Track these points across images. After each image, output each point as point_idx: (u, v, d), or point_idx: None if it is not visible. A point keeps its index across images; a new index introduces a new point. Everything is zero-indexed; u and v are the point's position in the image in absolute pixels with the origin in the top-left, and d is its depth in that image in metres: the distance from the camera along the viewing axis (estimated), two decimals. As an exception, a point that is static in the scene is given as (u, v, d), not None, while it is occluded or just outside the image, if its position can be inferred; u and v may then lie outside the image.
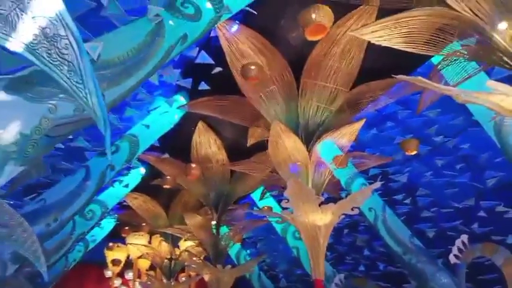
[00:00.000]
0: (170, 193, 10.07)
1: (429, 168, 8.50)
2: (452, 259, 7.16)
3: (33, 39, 2.13)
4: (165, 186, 8.53)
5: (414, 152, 6.77)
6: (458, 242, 7.19)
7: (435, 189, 8.68)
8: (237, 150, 8.33)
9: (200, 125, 7.96)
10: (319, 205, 5.62)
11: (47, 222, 5.60)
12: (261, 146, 7.54)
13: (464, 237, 7.44)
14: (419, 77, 3.52)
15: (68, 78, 2.18)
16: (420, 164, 8.57)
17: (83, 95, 2.25)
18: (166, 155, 8.29)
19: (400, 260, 8.52)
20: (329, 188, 7.41)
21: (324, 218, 5.64)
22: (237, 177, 8.72)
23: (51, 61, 2.14)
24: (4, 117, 2.80)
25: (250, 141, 7.50)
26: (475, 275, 7.74)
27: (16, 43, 2.12)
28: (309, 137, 6.29)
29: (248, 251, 12.32)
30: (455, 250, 7.23)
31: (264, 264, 11.97)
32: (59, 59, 2.13)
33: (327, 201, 7.02)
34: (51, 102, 2.99)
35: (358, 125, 6.22)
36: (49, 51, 2.11)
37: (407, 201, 9.02)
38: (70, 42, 2.11)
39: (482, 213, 8.16)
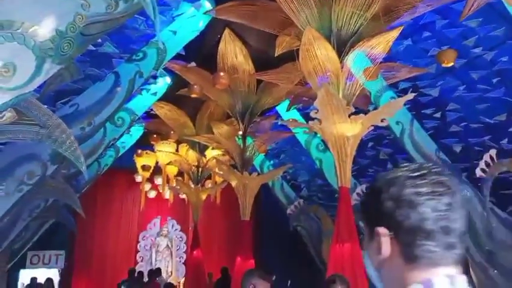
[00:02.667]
0: (196, 103, 10.14)
1: (462, 82, 8.21)
2: (478, 172, 7.20)
3: None
4: (191, 96, 8.54)
5: (451, 64, 6.48)
6: (486, 156, 7.18)
7: (466, 104, 8.46)
8: (264, 60, 8.15)
9: (226, 33, 7.73)
10: (349, 116, 5.58)
11: (81, 126, 5.77)
12: (289, 57, 7.34)
13: (493, 152, 7.40)
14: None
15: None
16: (453, 78, 8.27)
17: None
18: (193, 64, 8.19)
19: (423, 173, 8.60)
20: (358, 101, 7.30)
21: (353, 129, 5.63)
22: (263, 88, 8.65)
23: None
24: (38, 13, 2.74)
25: (278, 51, 7.28)
26: (498, 190, 7.79)
27: None
28: (342, 46, 6.05)
29: (271, 161, 12.64)
30: (482, 164, 7.24)
31: (286, 174, 12.30)
32: None
33: (356, 113, 6.98)
34: (83, -3, 2.90)
35: (395, 33, 5.92)
36: None
37: (437, 115, 8.86)
38: None
39: (512, 129, 8.02)
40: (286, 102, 9.49)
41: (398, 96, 8.65)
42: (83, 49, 3.23)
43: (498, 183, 7.61)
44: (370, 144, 10.31)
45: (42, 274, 10.81)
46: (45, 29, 2.76)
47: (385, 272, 0.98)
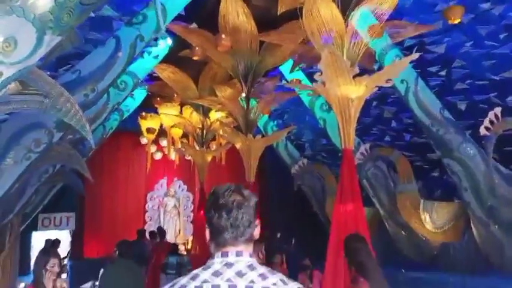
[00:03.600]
0: (199, 65, 10.03)
1: (469, 38, 8.04)
2: (482, 131, 7.19)
3: None
4: (194, 58, 8.44)
5: (458, 21, 6.32)
6: (490, 114, 7.14)
7: (472, 61, 8.32)
8: (267, 19, 7.97)
9: (228, -9, 7.53)
10: (353, 77, 5.52)
11: (85, 92, 5.76)
12: (292, 15, 7.18)
13: (498, 110, 7.35)
14: None
15: None
16: (460, 34, 8.09)
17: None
18: (194, 25, 8.03)
19: (427, 130, 8.59)
20: (363, 60, 7.19)
21: (357, 90, 5.58)
22: (266, 48, 8.51)
23: None
24: (36, -16, 2.68)
25: (281, 9, 7.11)
26: (501, 147, 7.81)
27: None
28: (347, 4, 5.90)
29: (275, 122, 12.65)
30: (486, 122, 7.22)
31: (290, 134, 12.34)
32: None
33: (360, 73, 6.89)
34: (80, -35, 2.82)
35: (399, -5, 5.74)
36: None
37: (442, 73, 8.74)
38: None
39: (519, 86, 7.94)
40: (290, 62, 9.37)
41: (404, 54, 8.51)
42: (83, 18, 3.18)
43: (502, 140, 7.62)
44: (374, 103, 10.25)
45: (53, 235, 11.14)
46: (44, 1, 2.71)
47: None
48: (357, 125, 10.80)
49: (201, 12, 7.81)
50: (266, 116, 11.50)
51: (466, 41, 8.09)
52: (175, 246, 9.64)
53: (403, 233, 9.98)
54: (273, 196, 13.40)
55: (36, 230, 11.82)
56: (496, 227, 8.13)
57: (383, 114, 10.64)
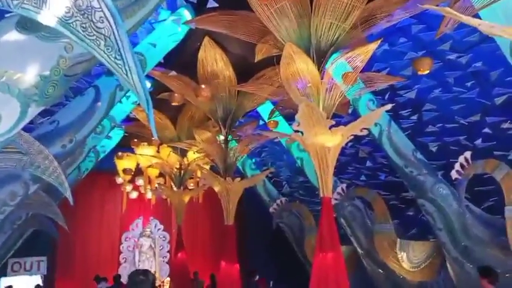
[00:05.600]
0: (177, 106, 10.09)
1: (438, 83, 8.42)
2: (454, 175, 7.46)
3: (66, 12, 1.96)
4: (172, 104, 8.52)
5: (426, 72, 6.64)
6: (461, 159, 7.43)
7: (442, 105, 8.68)
8: (244, 66, 8.18)
9: (206, 41, 7.71)
10: (330, 128, 5.69)
11: (63, 143, 5.72)
12: (268, 62, 7.41)
13: (468, 154, 7.66)
14: (447, 8, 3.34)
15: (106, 54, 2.05)
16: (429, 80, 8.47)
17: (123, 72, 2.14)
18: (173, 73, 8.15)
19: (401, 172, 8.88)
20: (338, 107, 7.43)
21: (333, 140, 5.74)
22: (244, 93, 8.68)
23: (86, 35, 2.00)
24: (22, 61, 2.72)
25: (258, 57, 7.34)
26: (473, 187, 8.08)
27: (48, 16, 1.96)
28: (321, 57, 6.13)
29: (253, 160, 12.74)
30: (457, 166, 7.50)
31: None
32: (94, 33, 1.99)
33: (334, 118, 7.05)
34: (65, 40, 2.88)
35: (374, 46, 6.03)
36: (84, 25, 1.96)
37: (414, 116, 9.07)
38: (105, 15, 1.95)
39: (486, 129, 8.25)
40: (268, 104, 9.56)
41: (377, 98, 8.87)
42: (66, 87, 3.22)
43: (473, 181, 7.89)
44: (349, 143, 10.47)
45: (23, 281, 10.70)
46: (29, 76, 2.75)
47: None
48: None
49: (180, 58, 7.95)
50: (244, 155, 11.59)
51: (436, 87, 8.46)
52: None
53: (381, 271, 10.06)
54: (252, 235, 13.31)
55: (5, 275, 11.33)
56: (471, 266, 8.30)
57: (358, 154, 10.88)
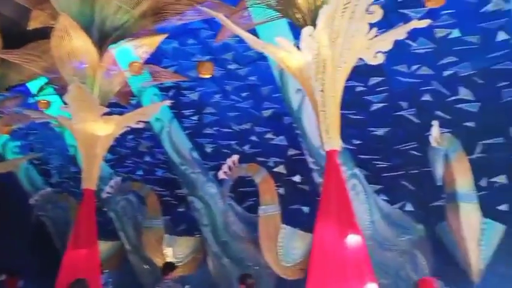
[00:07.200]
0: None
1: (219, 90, 8.95)
2: (220, 175, 7.99)
3: None
4: None
5: (208, 76, 6.97)
6: (229, 161, 8.02)
7: (220, 110, 9.25)
8: (17, 34, 7.04)
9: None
10: (103, 115, 5.34)
11: None
12: (45, 33, 6.55)
13: (235, 157, 8.34)
14: (221, 15, 3.51)
15: None
16: (213, 84, 8.93)
17: None
18: None
19: (177, 168, 9.13)
20: (118, 95, 7.10)
21: (105, 128, 5.42)
22: (11, 63, 7.43)
23: None
24: None
25: (32, 25, 6.42)
26: (237, 187, 8.84)
27: None
28: (103, 39, 5.73)
29: (19, 143, 11.11)
30: (225, 167, 8.07)
31: (35, 158, 11.05)
32: None
33: (115, 106, 6.74)
34: None
35: (159, 38, 5.99)
36: None
37: (195, 117, 9.41)
38: None
39: (254, 137, 9.15)
40: (44, 80, 8.45)
41: (162, 94, 8.87)
42: None
43: (237, 182, 8.63)
44: (130, 136, 10.20)
45: None
46: None
47: None
48: (112, 156, 10.53)
49: None
50: (6, 136, 10.00)
51: (217, 92, 8.97)
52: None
53: (147, 267, 10.05)
54: (8, 230, 11.49)
55: None
56: (228, 260, 9.07)
57: (138, 148, 10.68)
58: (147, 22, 6.42)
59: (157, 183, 10.63)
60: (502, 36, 5.88)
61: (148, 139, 10.35)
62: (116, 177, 10.26)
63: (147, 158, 10.82)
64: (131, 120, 5.72)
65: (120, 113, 6.94)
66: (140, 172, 11.11)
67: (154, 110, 6.23)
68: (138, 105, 8.33)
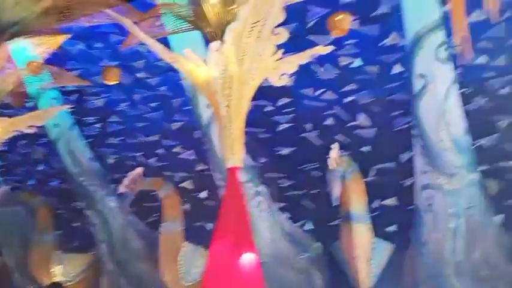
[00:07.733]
0: None
1: (127, 98, 8.63)
2: (121, 188, 7.57)
3: None
4: None
5: (112, 83, 6.68)
6: (130, 174, 7.63)
7: (127, 119, 8.90)
8: None
9: None
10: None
11: None
12: None
13: (140, 170, 7.96)
14: (129, 21, 3.37)
15: None
16: (120, 92, 8.59)
17: None
18: None
19: (74, 179, 8.48)
20: (12, 96, 6.51)
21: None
22: None
23: None
24: None
25: None
26: (140, 202, 8.45)
27: None
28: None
29: None
30: (127, 180, 7.66)
31: None
32: None
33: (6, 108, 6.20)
34: None
35: (61, 38, 5.60)
36: None
37: (98, 125, 8.94)
38: None
39: (161, 150, 8.90)
40: None
41: (63, 98, 8.28)
42: None
43: (140, 196, 8.25)
44: (23, 142, 9.37)
45: None
46: None
47: None
48: (2, 162, 9.58)
49: None
50: None
51: (124, 100, 8.63)
52: None
53: (32, 287, 9.16)
54: None
55: None
56: (125, 279, 8.58)
57: (32, 156, 9.85)
58: (50, 20, 5.98)
59: (52, 194, 9.85)
60: (397, 68, 6.45)
61: (43, 146, 9.58)
62: (4, 186, 9.27)
63: (42, 167, 10.02)
64: (22, 124, 5.20)
65: (11, 116, 6.37)
66: (33, 181, 10.26)
67: (50, 115, 5.75)
68: (34, 108, 7.71)
